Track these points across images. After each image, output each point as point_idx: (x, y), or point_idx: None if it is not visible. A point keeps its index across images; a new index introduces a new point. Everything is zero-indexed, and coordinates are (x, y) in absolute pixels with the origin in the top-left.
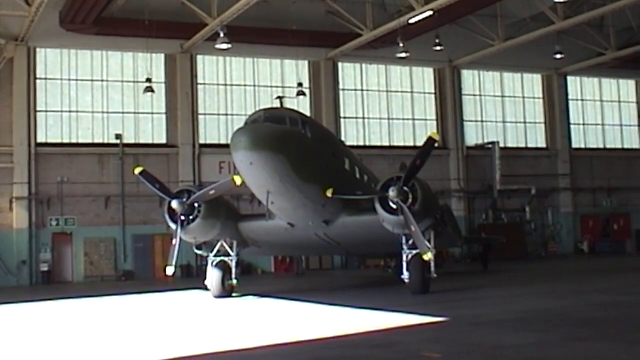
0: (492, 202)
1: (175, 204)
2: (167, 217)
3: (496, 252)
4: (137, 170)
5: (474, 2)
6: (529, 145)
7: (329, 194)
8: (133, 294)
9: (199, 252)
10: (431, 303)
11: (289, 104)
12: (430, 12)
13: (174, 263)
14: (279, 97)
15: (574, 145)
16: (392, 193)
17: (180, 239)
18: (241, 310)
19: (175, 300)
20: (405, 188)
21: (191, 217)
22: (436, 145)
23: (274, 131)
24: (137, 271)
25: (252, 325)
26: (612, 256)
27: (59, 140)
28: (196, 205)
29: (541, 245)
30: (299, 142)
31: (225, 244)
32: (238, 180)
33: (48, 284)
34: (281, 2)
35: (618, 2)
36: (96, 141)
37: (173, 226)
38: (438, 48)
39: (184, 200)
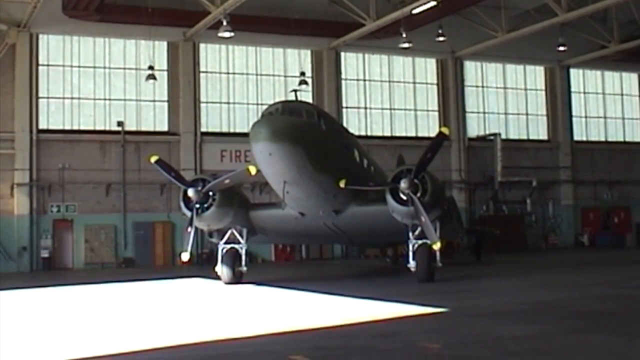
0: (493, 193)
1: (190, 192)
2: (182, 204)
3: (496, 244)
4: (153, 159)
5: None
6: (531, 137)
7: (342, 184)
8: (134, 281)
9: (211, 240)
10: (431, 293)
11: (290, 94)
12: (434, 3)
13: (189, 249)
14: (294, 90)
15: (576, 137)
16: (403, 184)
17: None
18: (242, 298)
19: (176, 288)
20: (416, 180)
21: (206, 205)
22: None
23: (292, 123)
24: (137, 258)
25: (252, 313)
26: (612, 249)
27: (60, 127)
28: (210, 193)
29: (541, 237)
30: (315, 134)
31: (235, 232)
32: (253, 170)
33: (48, 270)
34: None
35: None
36: (98, 128)
37: (188, 213)
38: (441, 39)
39: (199, 188)
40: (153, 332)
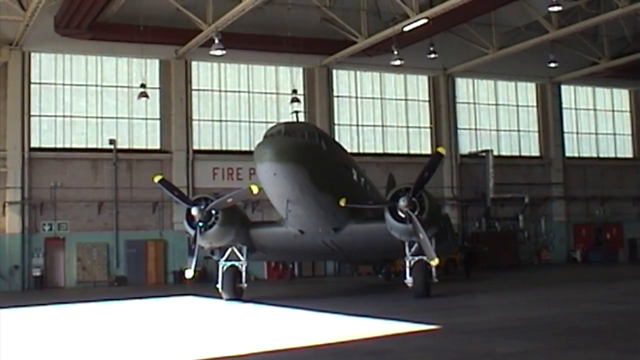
0: (485, 210)
1: (194, 211)
2: (185, 223)
3: (489, 260)
4: (157, 179)
5: (468, 11)
6: (523, 154)
7: (342, 203)
8: (128, 299)
9: (212, 257)
10: (425, 310)
11: (282, 111)
12: (425, 20)
13: (193, 266)
14: (295, 111)
15: (567, 153)
16: (402, 203)
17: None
18: (234, 316)
19: (173, 306)
20: (414, 198)
21: (209, 224)
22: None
23: (295, 144)
24: (129, 276)
25: (245, 331)
26: (604, 265)
27: (52, 145)
28: (213, 212)
29: (534, 254)
30: (317, 155)
31: (235, 250)
32: (255, 189)
33: (40, 289)
34: (276, 9)
35: (612, 11)
36: (90, 146)
37: (191, 232)
38: (432, 56)
39: (202, 207)
40: (147, 351)
